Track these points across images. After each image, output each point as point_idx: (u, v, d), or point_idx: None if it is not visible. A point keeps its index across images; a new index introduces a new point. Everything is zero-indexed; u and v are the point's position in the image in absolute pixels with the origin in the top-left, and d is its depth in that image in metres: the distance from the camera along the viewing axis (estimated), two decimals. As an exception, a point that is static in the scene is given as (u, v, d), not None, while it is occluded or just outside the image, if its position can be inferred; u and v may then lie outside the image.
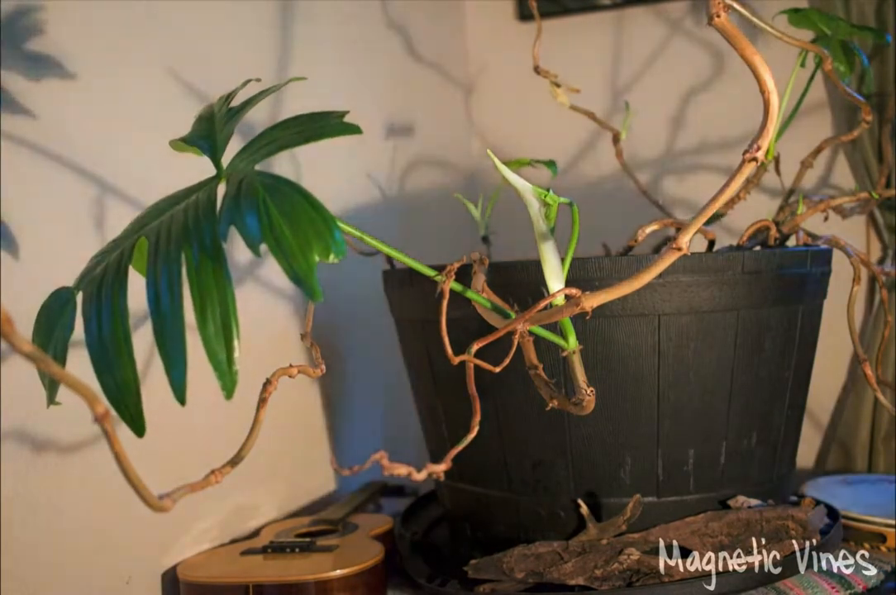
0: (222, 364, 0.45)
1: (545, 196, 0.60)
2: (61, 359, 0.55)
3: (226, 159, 0.57)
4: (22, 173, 0.74)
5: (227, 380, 0.45)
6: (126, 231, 0.58)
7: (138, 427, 0.48)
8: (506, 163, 1.10)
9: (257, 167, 0.54)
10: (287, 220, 0.46)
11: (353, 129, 0.51)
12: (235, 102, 0.64)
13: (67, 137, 0.79)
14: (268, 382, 0.60)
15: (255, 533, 0.98)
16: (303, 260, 0.45)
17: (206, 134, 0.60)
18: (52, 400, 0.56)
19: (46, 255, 0.77)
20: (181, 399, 0.45)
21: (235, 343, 0.45)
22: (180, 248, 0.49)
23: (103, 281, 0.52)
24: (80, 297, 0.54)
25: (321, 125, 0.54)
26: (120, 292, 0.50)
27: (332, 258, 0.45)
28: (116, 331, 0.49)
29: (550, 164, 1.05)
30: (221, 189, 0.53)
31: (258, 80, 0.67)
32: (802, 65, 0.95)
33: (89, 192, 0.82)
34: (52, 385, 0.56)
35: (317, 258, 0.45)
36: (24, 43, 0.75)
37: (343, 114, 0.54)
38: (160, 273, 0.48)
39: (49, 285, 0.73)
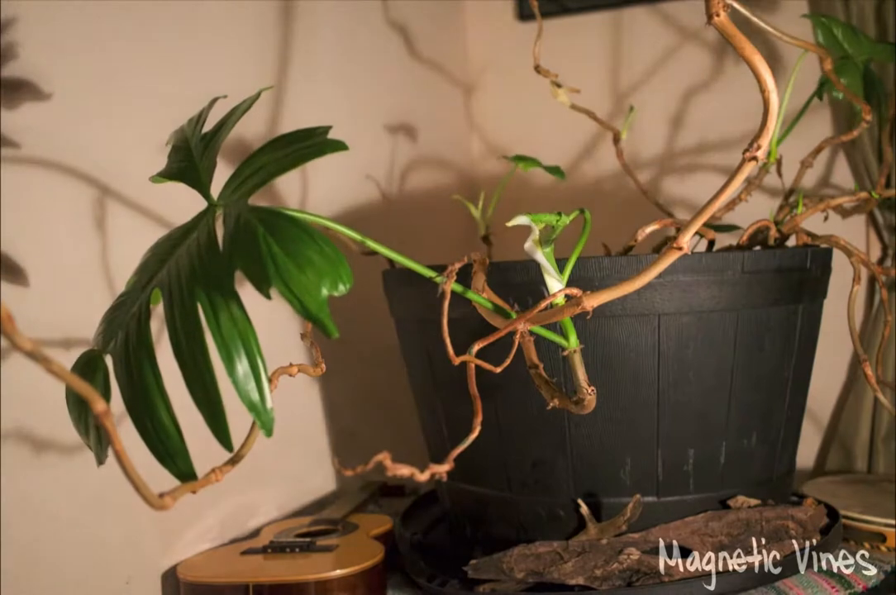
0: (257, 405, 0.46)
1: (557, 221, 0.60)
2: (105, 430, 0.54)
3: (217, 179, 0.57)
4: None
5: (265, 418, 0.46)
6: (134, 283, 0.58)
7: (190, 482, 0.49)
8: (514, 159, 1.10)
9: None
10: (291, 258, 0.45)
11: (340, 146, 0.51)
12: (209, 123, 0.62)
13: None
14: (268, 381, 0.61)
15: (255, 533, 0.98)
16: (313, 298, 0.44)
17: (187, 166, 0.59)
18: (101, 460, 0.55)
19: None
20: (228, 447, 0.46)
21: (266, 383, 0.46)
22: (195, 296, 0.48)
23: (128, 341, 0.52)
24: (108, 360, 0.54)
25: (306, 145, 0.53)
26: (147, 350, 0.50)
27: (342, 290, 0.45)
28: (151, 391, 0.49)
29: (557, 170, 1.04)
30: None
31: (225, 96, 0.65)
32: (824, 83, 0.94)
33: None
34: (98, 446, 0.55)
35: (326, 292, 0.45)
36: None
37: (326, 130, 0.53)
38: (179, 324, 0.48)
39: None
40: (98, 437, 0.54)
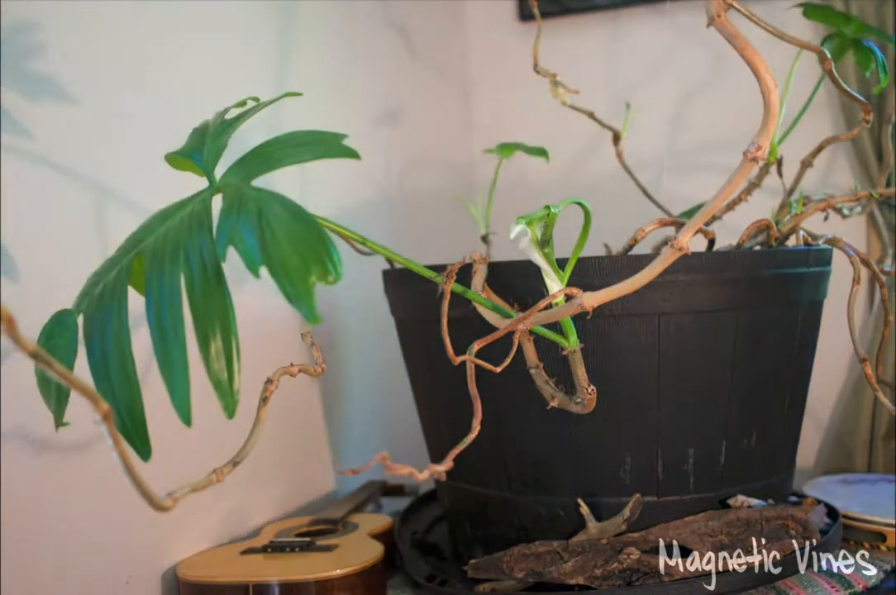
0: (224, 384, 0.46)
1: (548, 215, 0.59)
2: (65, 395, 0.54)
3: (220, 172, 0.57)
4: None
5: (229, 400, 0.46)
6: (121, 249, 0.58)
7: (143, 451, 0.49)
8: (498, 148, 1.10)
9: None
10: (287, 241, 0.46)
11: (352, 154, 0.51)
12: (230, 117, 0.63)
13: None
14: (269, 381, 0.61)
15: (255, 532, 0.98)
16: (301, 283, 0.45)
17: (198, 145, 0.60)
18: (59, 422, 0.55)
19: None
20: (186, 420, 0.46)
21: (236, 364, 0.46)
22: (178, 265, 0.48)
23: (102, 302, 0.52)
24: (80, 319, 0.54)
25: (320, 146, 0.53)
26: (120, 312, 0.50)
27: (330, 280, 0.45)
28: (119, 353, 0.48)
29: (541, 151, 1.04)
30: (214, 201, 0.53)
31: (256, 98, 0.66)
32: (822, 71, 0.94)
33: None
34: (58, 407, 0.55)
35: (314, 280, 0.45)
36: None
37: (343, 136, 0.53)
38: (159, 292, 0.48)
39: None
40: (58, 400, 0.54)
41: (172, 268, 0.49)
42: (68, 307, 0.73)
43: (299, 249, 0.45)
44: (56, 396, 0.54)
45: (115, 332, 0.49)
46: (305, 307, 0.44)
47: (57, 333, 0.54)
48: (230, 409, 0.46)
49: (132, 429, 0.48)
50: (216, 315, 0.46)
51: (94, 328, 0.51)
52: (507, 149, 1.08)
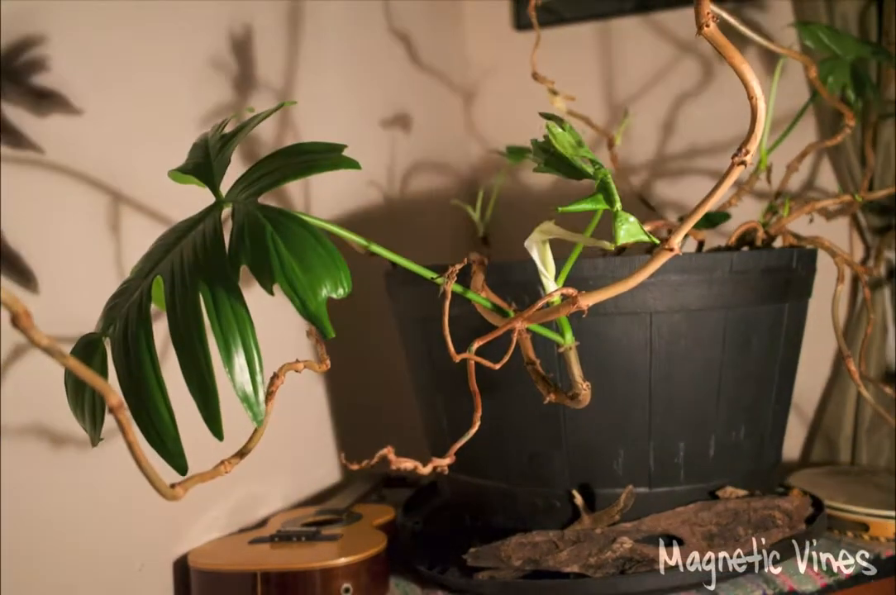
0: (250, 397, 0.47)
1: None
2: (100, 414, 0.54)
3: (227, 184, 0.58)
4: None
5: (257, 411, 0.47)
6: (137, 271, 0.58)
7: (181, 467, 0.50)
8: (507, 152, 1.09)
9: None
10: (297, 258, 0.47)
11: (353, 165, 0.52)
12: (229, 129, 0.63)
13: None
14: (275, 376, 0.62)
15: (263, 522, 0.99)
16: (314, 298, 0.46)
17: (202, 162, 0.60)
18: (96, 441, 0.55)
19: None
20: (218, 435, 0.47)
21: (260, 376, 0.47)
22: (197, 287, 0.50)
23: (128, 327, 0.52)
24: (107, 342, 0.55)
25: (322, 157, 0.54)
26: (146, 336, 0.51)
27: (341, 293, 0.47)
28: (148, 377, 0.49)
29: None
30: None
31: (251, 109, 0.67)
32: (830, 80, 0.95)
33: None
34: (93, 428, 0.55)
35: (326, 294, 0.46)
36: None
37: (342, 147, 0.54)
38: (181, 314, 0.49)
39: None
40: (93, 421, 0.54)
41: (192, 288, 0.50)
42: (82, 314, 0.75)
43: (310, 266, 0.47)
44: (91, 418, 0.55)
45: (144, 357, 0.50)
46: (320, 322, 0.46)
47: (86, 360, 0.55)
48: (259, 419, 0.47)
49: (168, 448, 0.49)
50: (237, 331, 0.48)
51: (123, 354, 0.52)
52: (516, 155, 1.06)
